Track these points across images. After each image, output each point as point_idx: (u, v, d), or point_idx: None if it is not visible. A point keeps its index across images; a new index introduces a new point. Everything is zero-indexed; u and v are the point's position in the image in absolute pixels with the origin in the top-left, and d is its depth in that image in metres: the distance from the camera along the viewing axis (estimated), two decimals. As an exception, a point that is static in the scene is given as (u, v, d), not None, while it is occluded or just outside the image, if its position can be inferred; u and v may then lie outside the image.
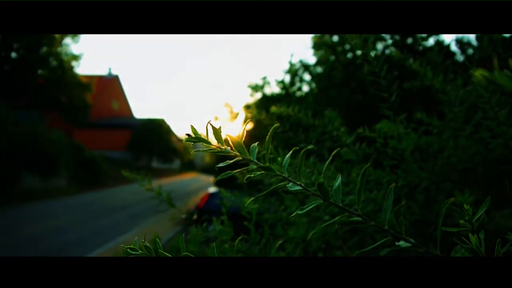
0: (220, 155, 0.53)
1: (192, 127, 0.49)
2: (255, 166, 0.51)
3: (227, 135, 0.51)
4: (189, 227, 1.71)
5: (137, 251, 0.53)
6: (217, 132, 0.50)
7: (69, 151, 18.60)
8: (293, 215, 0.51)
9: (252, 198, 0.55)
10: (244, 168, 0.52)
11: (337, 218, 0.48)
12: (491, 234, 0.67)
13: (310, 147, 0.54)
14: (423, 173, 1.61)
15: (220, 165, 0.51)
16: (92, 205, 14.66)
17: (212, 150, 0.51)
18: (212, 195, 9.59)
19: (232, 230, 1.48)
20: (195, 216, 1.70)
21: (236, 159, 0.51)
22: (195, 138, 0.50)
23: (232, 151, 0.51)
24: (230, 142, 0.51)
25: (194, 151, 0.52)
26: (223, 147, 0.51)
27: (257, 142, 0.53)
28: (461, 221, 0.59)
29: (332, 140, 1.97)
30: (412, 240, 0.49)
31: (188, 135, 0.51)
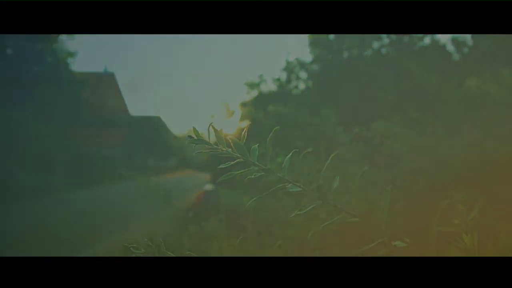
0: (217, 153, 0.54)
1: (194, 129, 0.51)
2: (256, 168, 0.52)
3: (230, 138, 0.52)
4: (186, 224, 1.72)
5: (140, 250, 0.54)
6: (219, 134, 0.51)
7: (64, 148, 18.49)
8: (292, 215, 0.52)
9: (253, 199, 0.56)
10: (246, 170, 0.53)
11: (336, 218, 0.49)
12: (484, 233, 0.68)
13: (309, 150, 0.55)
14: (418, 172, 1.62)
15: (222, 166, 0.52)
16: (87, 202, 14.58)
17: (215, 152, 0.52)
18: (208, 192, 9.59)
19: (229, 228, 1.48)
20: (191, 214, 1.71)
21: (238, 160, 0.52)
22: (197, 140, 0.51)
23: (234, 152, 0.52)
24: (231, 144, 0.52)
25: (197, 153, 0.53)
26: (224, 149, 0.52)
27: (258, 144, 0.54)
28: (456, 221, 0.61)
29: (328, 138, 1.98)
30: (408, 240, 0.51)
31: (190, 137, 0.52)
